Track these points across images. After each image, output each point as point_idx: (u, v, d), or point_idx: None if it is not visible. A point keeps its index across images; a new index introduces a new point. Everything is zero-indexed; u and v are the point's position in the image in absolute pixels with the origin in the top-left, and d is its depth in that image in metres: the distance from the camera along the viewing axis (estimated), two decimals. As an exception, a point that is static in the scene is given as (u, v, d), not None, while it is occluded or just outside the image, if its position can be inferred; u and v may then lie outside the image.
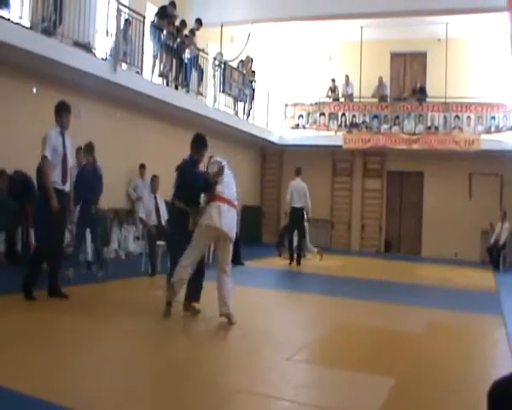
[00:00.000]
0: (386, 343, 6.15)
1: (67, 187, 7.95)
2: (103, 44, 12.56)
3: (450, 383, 5.38)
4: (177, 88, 14.80)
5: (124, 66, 12.71)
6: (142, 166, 14.30)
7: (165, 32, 14.14)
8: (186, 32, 15.16)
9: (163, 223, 11.48)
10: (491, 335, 8.12)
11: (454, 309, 9.45)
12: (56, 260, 8.06)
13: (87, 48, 11.66)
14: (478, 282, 13.82)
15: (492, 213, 18.83)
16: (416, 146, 19.31)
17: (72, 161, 8.20)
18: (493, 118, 18.90)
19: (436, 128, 19.36)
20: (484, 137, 18.73)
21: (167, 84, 14.46)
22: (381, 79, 20.88)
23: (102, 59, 12.07)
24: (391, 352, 6.09)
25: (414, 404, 4.81)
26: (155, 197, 11.53)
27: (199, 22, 15.69)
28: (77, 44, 11.30)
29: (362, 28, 20.04)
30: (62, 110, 7.89)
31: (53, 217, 7.54)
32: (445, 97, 19.42)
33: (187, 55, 15.10)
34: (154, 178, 11.76)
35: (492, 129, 18.87)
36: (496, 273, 15.96)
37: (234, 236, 7.10)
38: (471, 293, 11.84)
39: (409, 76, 22.02)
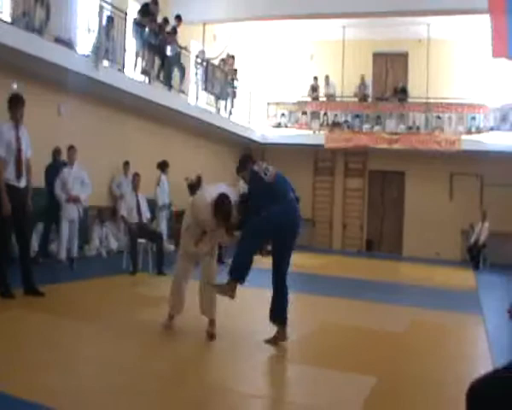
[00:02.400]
0: (369, 342, 6.18)
1: (23, 183, 7.67)
2: (85, 41, 12.47)
3: (431, 382, 5.42)
4: (167, 88, 14.75)
5: (106, 63, 12.63)
6: (127, 164, 14.21)
7: (147, 29, 14.08)
8: (168, 29, 15.11)
9: (144, 220, 11.49)
10: (472, 333, 8.19)
11: (435, 308, 9.51)
12: (25, 256, 7.87)
13: (68, 44, 11.56)
14: (458, 281, 13.93)
15: (473, 213, 18.98)
16: (397, 146, 19.39)
17: (29, 153, 7.82)
18: (474, 119, 19.03)
19: (417, 128, 19.46)
20: (465, 137, 18.84)
21: (149, 81, 14.40)
22: (363, 78, 20.96)
23: (84, 56, 11.98)
24: (373, 351, 6.12)
25: (395, 402, 4.84)
26: (137, 195, 11.51)
27: (178, 19, 15.61)
28: (58, 40, 11.20)
29: (344, 28, 20.09)
30: (15, 103, 7.65)
31: (4, 218, 7.38)
32: (427, 98, 19.55)
33: (169, 52, 15.05)
34: (136, 176, 11.73)
35: (473, 130, 19.00)
36: (476, 273, 16.10)
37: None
38: (452, 292, 11.92)
39: (391, 76, 22.10)
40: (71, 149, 10.86)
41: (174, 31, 15.34)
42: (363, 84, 20.95)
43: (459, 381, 4.25)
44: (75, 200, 10.71)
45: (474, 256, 17.64)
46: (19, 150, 7.57)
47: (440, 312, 9.26)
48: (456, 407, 3.45)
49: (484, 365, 5.58)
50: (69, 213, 10.72)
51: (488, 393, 2.88)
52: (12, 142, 7.52)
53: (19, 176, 7.59)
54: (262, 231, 6.08)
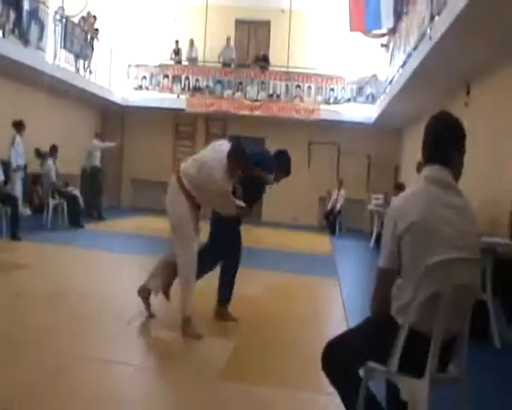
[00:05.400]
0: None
1: None
2: None
3: (288, 343, 5.60)
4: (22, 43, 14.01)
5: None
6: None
7: (1, -20, 13.30)
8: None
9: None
10: (328, 296, 8.52)
11: (293, 272, 9.79)
12: None
13: None
14: (316, 246, 14.41)
15: (330, 180, 19.70)
16: (257, 112, 19.65)
17: None
18: (332, 90, 19.67)
19: (278, 96, 19.84)
20: (323, 107, 19.45)
21: (3, 35, 13.62)
22: (228, 40, 21.02)
23: None
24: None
25: (254, 362, 4.96)
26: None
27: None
28: None
29: (208, -8, 19.98)
30: None
31: None
32: (288, 67, 19.90)
33: (26, 6, 14.30)
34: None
35: (331, 100, 19.65)
36: (332, 238, 16.73)
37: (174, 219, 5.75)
38: (309, 256, 12.31)
39: (253, 44, 22.26)
40: None
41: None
42: (228, 46, 21.00)
43: (315, 341, 4.40)
44: None
45: (331, 222, 18.35)
46: None
47: (298, 276, 9.55)
48: (313, 366, 3.58)
49: (339, 325, 5.81)
50: None
51: (342, 351, 3.02)
52: None
53: None
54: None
